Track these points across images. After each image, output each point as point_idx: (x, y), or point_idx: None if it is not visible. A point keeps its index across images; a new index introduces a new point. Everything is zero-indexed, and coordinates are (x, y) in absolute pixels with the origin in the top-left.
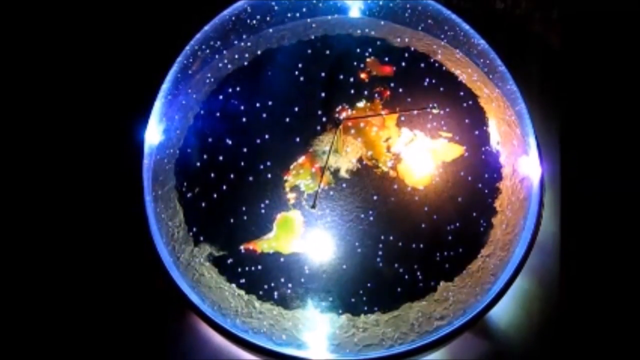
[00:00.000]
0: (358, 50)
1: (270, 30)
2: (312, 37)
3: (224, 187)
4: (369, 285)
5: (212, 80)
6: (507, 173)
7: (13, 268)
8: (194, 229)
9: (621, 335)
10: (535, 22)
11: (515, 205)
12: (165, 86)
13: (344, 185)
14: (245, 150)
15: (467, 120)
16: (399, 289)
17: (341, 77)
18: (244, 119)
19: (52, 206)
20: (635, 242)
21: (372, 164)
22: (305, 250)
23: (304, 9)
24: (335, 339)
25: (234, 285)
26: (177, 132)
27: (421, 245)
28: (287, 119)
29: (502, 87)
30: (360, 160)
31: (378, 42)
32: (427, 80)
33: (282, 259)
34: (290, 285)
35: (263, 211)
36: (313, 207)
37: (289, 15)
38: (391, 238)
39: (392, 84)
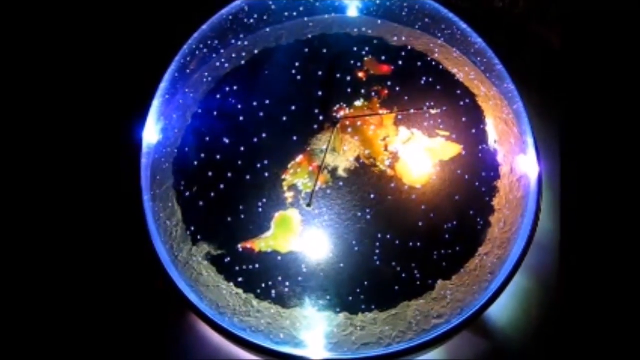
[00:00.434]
0: (356, 49)
1: (268, 29)
2: (310, 37)
3: (222, 186)
4: (366, 283)
5: (210, 79)
6: (504, 171)
7: (11, 266)
8: (192, 228)
9: (619, 333)
10: (533, 20)
11: (512, 204)
12: (163, 85)
13: (342, 184)
14: (243, 149)
15: (464, 119)
16: (396, 288)
17: (339, 76)
18: (241, 118)
19: (51, 206)
20: (633, 240)
21: (370, 163)
22: (302, 248)
23: (302, 8)
24: (333, 338)
25: (232, 284)
26: (175, 132)
27: (419, 244)
28: (285, 118)
29: (499, 85)
30: (358, 159)
31: (375, 41)
32: (425, 79)
33: (279, 258)
34: (287, 283)
35: (261, 210)
36: (309, 205)
37: (286, 14)
38: (388, 237)
39: (389, 83)
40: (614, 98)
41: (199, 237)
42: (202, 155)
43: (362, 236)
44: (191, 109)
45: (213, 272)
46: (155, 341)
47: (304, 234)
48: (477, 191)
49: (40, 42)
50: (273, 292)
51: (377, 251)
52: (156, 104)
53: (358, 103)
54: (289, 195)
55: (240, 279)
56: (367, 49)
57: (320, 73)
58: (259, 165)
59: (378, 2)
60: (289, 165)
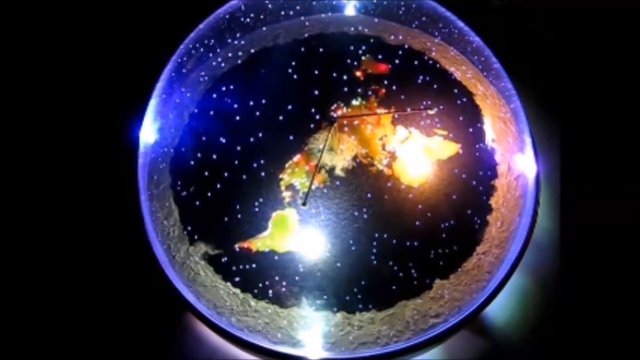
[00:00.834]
0: (353, 48)
1: (265, 28)
2: (307, 36)
3: (219, 186)
4: (363, 283)
5: (207, 78)
6: (502, 171)
7: (7, 264)
8: (189, 228)
9: (618, 332)
10: (531, 19)
11: (510, 203)
12: (160, 85)
13: (339, 183)
14: (240, 148)
15: (462, 118)
16: (394, 287)
17: (336, 75)
18: (239, 118)
19: (47, 205)
20: (632, 239)
21: (368, 162)
22: (300, 248)
23: (299, 7)
24: (331, 337)
25: (229, 283)
26: (171, 131)
27: (416, 243)
28: (282, 118)
29: (497, 84)
30: (355, 158)
31: (373, 40)
32: (422, 77)
33: (276, 257)
34: (284, 283)
35: (258, 209)
36: (304, 204)
37: (283, 13)
38: (386, 236)
39: (387, 82)
40: (613, 96)
41: (196, 236)
42: (199, 155)
43: (359, 235)
44: (188, 108)
45: (210, 271)
46: (152, 341)
47: (301, 234)
48: (474, 190)
49: (36, 41)
50: (270, 291)
51: (375, 250)
52: (153, 104)
53: (355, 102)
54: (286, 194)
55: (237, 279)
56: (364, 47)
57: (317, 72)
58: (255, 165)
59: (375, 0)
60: (286, 165)
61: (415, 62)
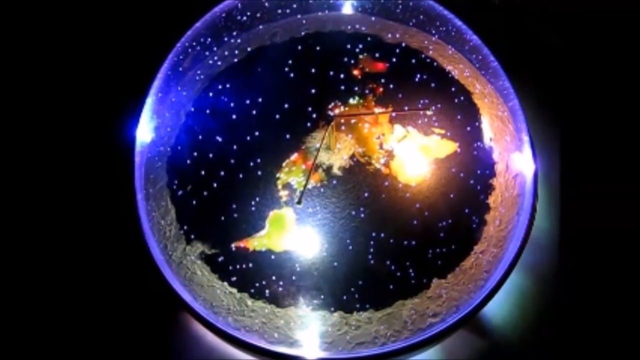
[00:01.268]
0: (350, 46)
1: (262, 27)
2: (304, 34)
3: (216, 185)
4: (361, 282)
5: (204, 77)
6: (500, 169)
7: (4, 264)
8: (186, 227)
9: (616, 331)
10: (529, 17)
11: (508, 202)
12: (156, 83)
13: (336, 182)
14: (237, 147)
15: (459, 117)
16: (391, 287)
17: (333, 74)
18: (235, 117)
19: (44, 204)
20: (630, 238)
21: (365, 161)
22: (296, 247)
23: (295, 6)
24: (328, 337)
25: (226, 283)
26: (168, 130)
27: (414, 242)
28: (279, 117)
29: (495, 83)
30: (352, 157)
31: (370, 39)
32: (420, 76)
33: (273, 257)
34: (281, 283)
35: (254, 209)
36: (299, 203)
37: (280, 12)
38: (383, 235)
39: (384, 80)
40: (611, 94)
41: (192, 236)
42: (196, 154)
43: (356, 235)
44: (185, 107)
45: (207, 271)
46: (149, 341)
47: (298, 233)
48: (472, 189)
49: (33, 41)
50: (267, 291)
51: (372, 250)
52: (149, 102)
53: (353, 101)
54: (283, 193)
55: (234, 278)
56: (361, 46)
57: (314, 71)
58: (252, 164)
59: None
60: (284, 164)
61: (413, 61)
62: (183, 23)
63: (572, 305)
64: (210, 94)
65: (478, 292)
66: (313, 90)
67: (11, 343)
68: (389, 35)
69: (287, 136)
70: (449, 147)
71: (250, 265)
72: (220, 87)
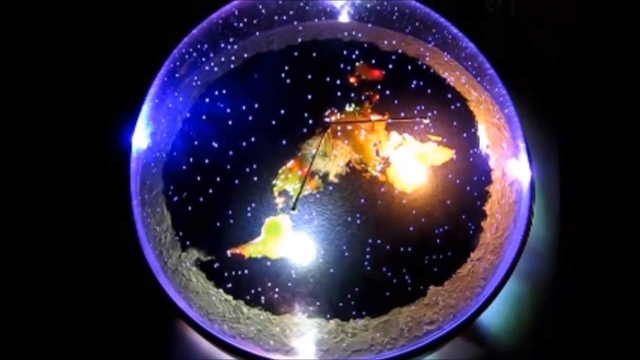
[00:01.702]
0: (347, 54)
1: (259, 34)
2: (301, 42)
3: (212, 192)
4: (357, 289)
5: (200, 84)
6: (496, 176)
7: None
8: (181, 234)
9: (613, 338)
10: (524, 25)
11: (505, 209)
12: (153, 90)
13: (333, 189)
14: (233, 155)
15: (456, 124)
16: (387, 294)
17: (330, 81)
18: (232, 123)
19: (39, 211)
20: (627, 245)
21: (361, 168)
22: (292, 254)
23: (292, 13)
24: (324, 345)
25: (221, 290)
26: (164, 136)
27: (410, 249)
28: (276, 124)
29: (491, 90)
30: (349, 164)
31: (366, 46)
32: (416, 83)
33: (269, 264)
34: (277, 289)
35: (250, 215)
36: (293, 209)
37: (276, 19)
38: (379, 242)
39: (381, 88)
40: (606, 101)
41: (188, 242)
42: (192, 161)
43: (352, 241)
44: (181, 113)
45: (202, 278)
46: (144, 348)
47: (294, 240)
48: (469, 196)
49: (30, 47)
50: (263, 298)
51: (368, 257)
52: (146, 109)
53: (349, 108)
54: (279, 200)
55: (229, 285)
56: (358, 54)
57: (311, 78)
58: (248, 170)
59: (369, 7)
60: (280, 171)
61: (409, 68)
62: (180, 30)
63: (569, 313)
64: (207, 101)
65: (475, 299)
66: (309, 98)
67: (5, 351)
68: (385, 43)
69: (284, 143)
70: (445, 154)
71: (246, 272)
72: (217, 94)
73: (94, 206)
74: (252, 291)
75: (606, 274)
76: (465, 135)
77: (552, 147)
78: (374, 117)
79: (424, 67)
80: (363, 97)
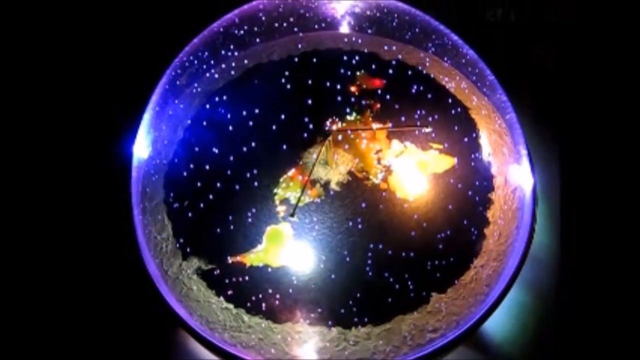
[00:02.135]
0: (347, 63)
1: (260, 43)
2: (302, 51)
3: (213, 200)
4: (359, 296)
5: (201, 91)
6: (498, 183)
7: None
8: (182, 242)
9: (617, 346)
10: (525, 33)
11: (507, 215)
12: (154, 98)
13: (334, 197)
14: (234, 163)
15: (457, 131)
16: (390, 301)
17: (331, 90)
18: (233, 132)
19: (39, 219)
20: (631, 252)
21: (363, 176)
22: (294, 262)
23: (293, 22)
24: (326, 353)
25: (222, 298)
26: (165, 145)
27: (412, 254)
28: (278, 133)
29: (491, 96)
30: (350, 172)
31: (367, 55)
32: (417, 91)
33: (269, 270)
34: (278, 297)
35: (251, 221)
36: (292, 215)
37: (277, 26)
38: (381, 247)
39: (382, 96)
40: (608, 107)
41: (188, 250)
42: (193, 169)
43: (354, 248)
44: (182, 122)
45: (203, 286)
46: (144, 358)
47: (295, 247)
48: (471, 202)
49: (31, 54)
50: (264, 305)
51: (370, 262)
52: (147, 117)
53: (350, 116)
54: (281, 209)
55: (230, 292)
56: (359, 63)
57: (312, 88)
58: (250, 179)
59: (369, 15)
60: (281, 179)
61: (410, 76)
62: (181, 38)
63: (573, 321)
64: (208, 108)
65: (479, 306)
66: (310, 106)
67: (4, 356)
68: (386, 50)
69: (285, 152)
70: (447, 162)
71: (247, 279)
72: (218, 102)
73: (94, 215)
74: (253, 298)
75: (610, 281)
76: (466, 142)
77: (554, 153)
78: (375, 126)
79: (425, 74)
80: (364, 105)
